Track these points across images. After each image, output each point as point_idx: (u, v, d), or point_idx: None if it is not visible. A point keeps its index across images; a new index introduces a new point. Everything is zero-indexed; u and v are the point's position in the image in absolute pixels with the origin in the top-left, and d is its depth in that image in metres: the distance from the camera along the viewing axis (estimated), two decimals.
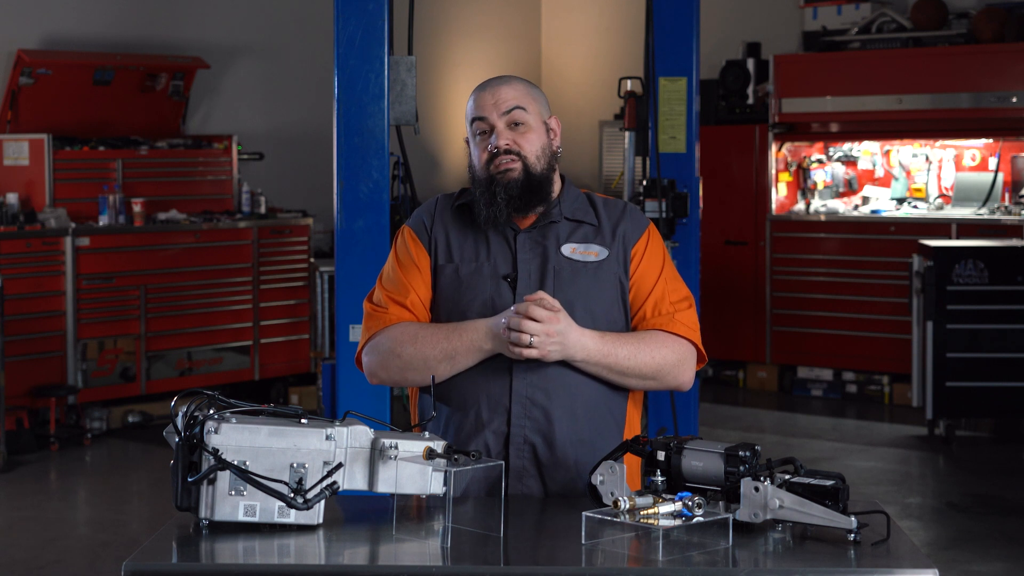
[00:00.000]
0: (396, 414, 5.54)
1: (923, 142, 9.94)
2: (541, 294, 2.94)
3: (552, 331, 2.90)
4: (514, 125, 3.06)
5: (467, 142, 3.16)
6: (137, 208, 8.67)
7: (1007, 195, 9.57)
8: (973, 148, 9.80)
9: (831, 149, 10.26)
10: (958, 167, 9.86)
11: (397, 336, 3.03)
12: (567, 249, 3.09)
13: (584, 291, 3.05)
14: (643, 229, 3.15)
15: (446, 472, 2.66)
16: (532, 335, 2.89)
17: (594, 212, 3.14)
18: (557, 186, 3.12)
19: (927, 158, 9.95)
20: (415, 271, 3.10)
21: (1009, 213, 9.39)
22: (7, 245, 8.07)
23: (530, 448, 3.01)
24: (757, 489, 2.59)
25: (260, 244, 9.24)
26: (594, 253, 3.09)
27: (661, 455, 2.73)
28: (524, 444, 3.01)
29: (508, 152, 3.04)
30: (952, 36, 9.64)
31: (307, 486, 2.60)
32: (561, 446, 3.01)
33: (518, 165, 3.04)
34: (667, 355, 3.04)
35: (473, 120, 3.08)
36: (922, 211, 9.78)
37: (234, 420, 2.64)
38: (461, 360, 3.00)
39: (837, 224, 9.92)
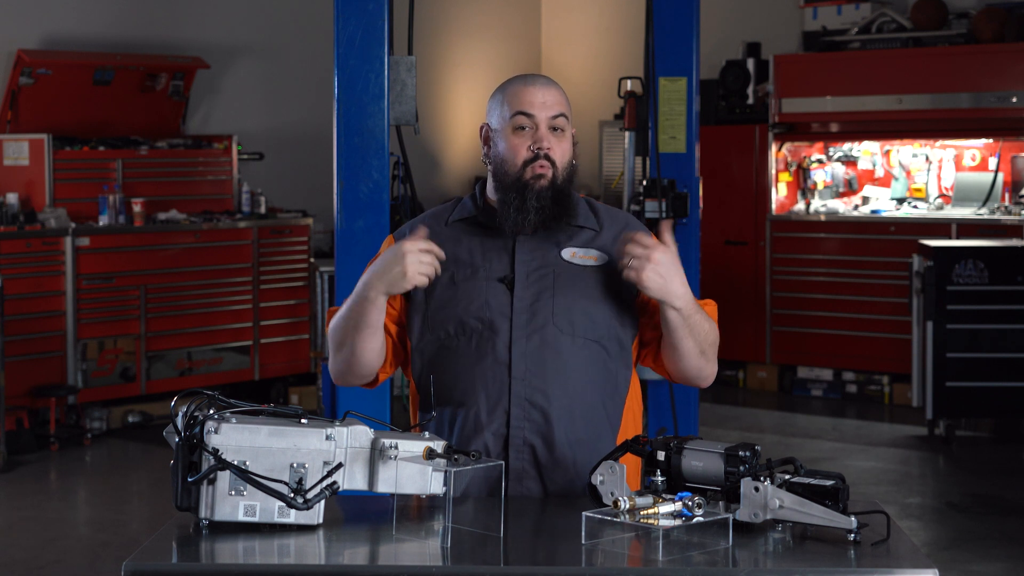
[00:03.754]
0: (396, 414, 5.54)
1: (923, 142, 9.94)
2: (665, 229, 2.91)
3: (655, 257, 2.88)
4: (554, 130, 3.05)
5: (484, 129, 3.12)
6: (137, 208, 8.68)
7: (1007, 195, 9.58)
8: (973, 148, 9.81)
9: (831, 149, 10.27)
10: (958, 167, 9.86)
11: (330, 327, 3.09)
12: (567, 253, 3.07)
13: (584, 295, 3.04)
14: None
15: (446, 472, 2.66)
16: (634, 256, 2.87)
17: (595, 218, 3.14)
18: None
19: (927, 158, 9.96)
20: None
21: (1009, 213, 9.39)
22: (7, 245, 8.07)
23: (530, 449, 3.01)
24: (757, 489, 2.59)
25: (260, 244, 9.24)
26: (594, 258, 3.07)
27: (661, 455, 2.73)
28: (524, 445, 3.01)
29: (546, 157, 3.02)
30: (952, 36, 9.64)
31: (307, 486, 2.60)
32: (560, 447, 3.01)
33: (550, 173, 3.03)
34: (716, 334, 3.06)
35: (516, 114, 3.03)
36: (922, 211, 9.78)
37: (234, 420, 2.64)
38: (363, 320, 2.98)
39: (837, 224, 9.92)
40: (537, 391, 3.00)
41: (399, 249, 2.92)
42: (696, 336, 3.00)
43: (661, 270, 2.89)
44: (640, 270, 2.88)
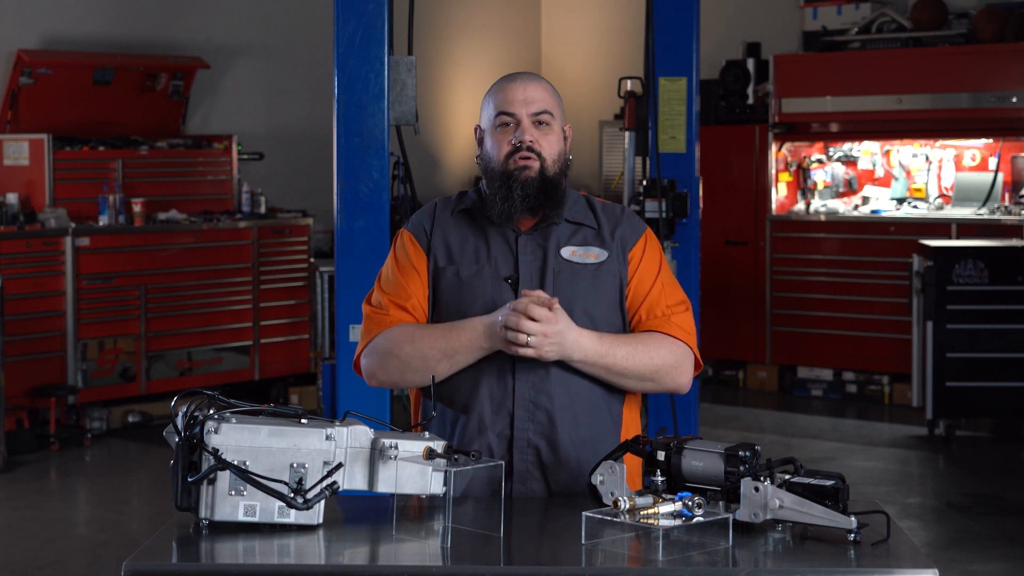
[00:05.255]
0: (396, 414, 5.54)
1: (923, 142, 9.94)
2: (539, 292, 2.94)
3: (550, 331, 2.90)
4: (539, 124, 3.07)
5: (477, 131, 3.15)
6: (137, 208, 8.67)
7: (1007, 195, 9.57)
8: (973, 148, 9.80)
9: (831, 149, 10.26)
10: (958, 167, 9.86)
11: (395, 337, 3.02)
12: (566, 251, 3.08)
13: (583, 293, 3.05)
14: (640, 232, 3.15)
15: (446, 472, 2.66)
16: (530, 335, 2.89)
17: (593, 215, 3.15)
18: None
19: (927, 158, 9.95)
20: (414, 274, 3.09)
21: (1009, 213, 9.39)
22: (7, 245, 8.07)
23: (534, 451, 3.01)
24: (757, 489, 2.59)
25: (260, 244, 9.24)
26: (593, 255, 3.09)
27: (661, 455, 2.72)
28: (528, 447, 3.01)
29: (530, 149, 3.04)
30: (952, 36, 9.64)
31: (307, 486, 2.60)
32: (564, 447, 3.01)
33: (536, 164, 3.04)
34: (665, 356, 3.03)
35: (499, 113, 3.07)
36: (922, 211, 9.78)
37: (234, 420, 2.64)
38: (460, 358, 2.99)
39: (837, 224, 9.92)
40: (541, 392, 3.00)
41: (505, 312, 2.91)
42: (624, 374, 3.01)
43: (555, 338, 2.90)
44: (539, 347, 2.89)
